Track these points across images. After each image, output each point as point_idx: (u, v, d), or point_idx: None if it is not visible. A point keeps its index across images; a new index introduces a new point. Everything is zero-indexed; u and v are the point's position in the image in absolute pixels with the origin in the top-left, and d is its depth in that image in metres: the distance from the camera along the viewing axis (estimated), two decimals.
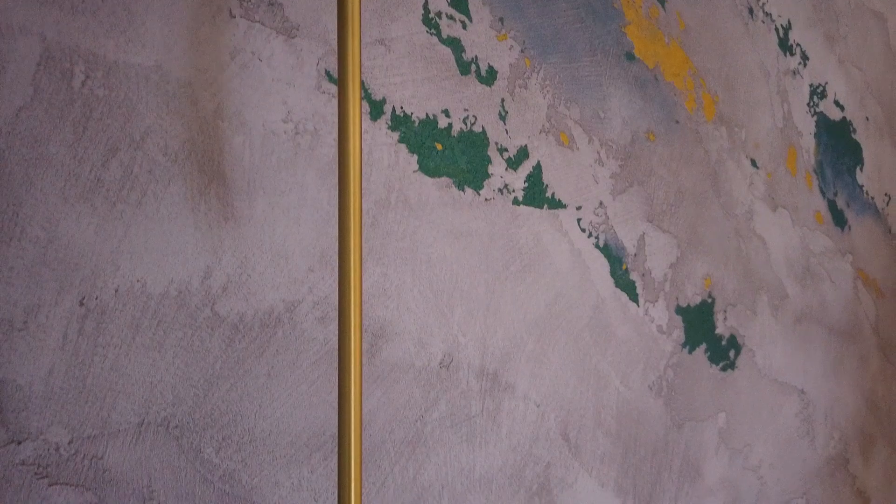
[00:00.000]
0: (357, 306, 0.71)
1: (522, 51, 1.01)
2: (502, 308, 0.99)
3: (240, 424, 0.78)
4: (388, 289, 0.89)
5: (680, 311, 1.22)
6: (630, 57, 1.15)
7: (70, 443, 0.68)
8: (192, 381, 0.75)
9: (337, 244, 0.81)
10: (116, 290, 0.70)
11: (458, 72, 0.95)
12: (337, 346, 0.79)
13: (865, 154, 1.58)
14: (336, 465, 0.84)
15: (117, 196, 0.71)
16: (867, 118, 1.59)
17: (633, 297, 1.15)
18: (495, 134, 0.99)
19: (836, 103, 1.52)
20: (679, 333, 1.21)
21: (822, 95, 1.48)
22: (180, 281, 0.74)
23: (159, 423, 0.73)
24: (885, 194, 1.64)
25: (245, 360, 0.78)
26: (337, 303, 0.79)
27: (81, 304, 0.69)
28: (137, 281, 0.72)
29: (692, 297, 1.24)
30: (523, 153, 1.02)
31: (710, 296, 1.26)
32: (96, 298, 0.69)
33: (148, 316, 0.72)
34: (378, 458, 0.88)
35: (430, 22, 0.93)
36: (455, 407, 0.94)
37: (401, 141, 0.90)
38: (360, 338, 0.73)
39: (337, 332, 0.79)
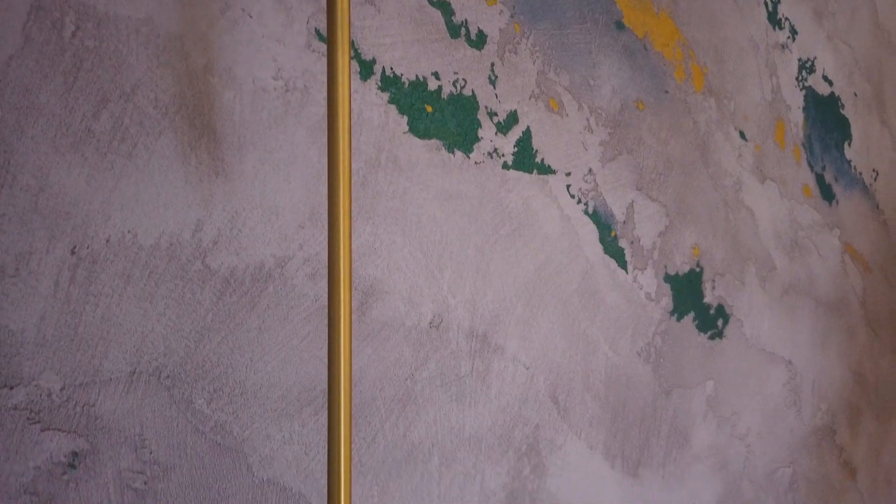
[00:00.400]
0: (347, 264, 0.72)
1: (512, 16, 1.02)
2: (492, 271, 1.00)
3: (231, 377, 0.78)
4: (378, 248, 0.90)
5: (668, 279, 1.23)
6: (619, 26, 1.15)
7: (62, 389, 0.69)
8: (184, 333, 0.75)
9: (326, 202, 0.82)
10: (108, 241, 0.71)
11: (447, 34, 0.96)
12: (327, 303, 0.80)
13: (853, 129, 1.60)
14: (326, 419, 0.85)
15: (108, 147, 0.71)
16: (855, 94, 1.61)
17: (622, 265, 1.16)
18: (485, 98, 1.00)
19: (825, 78, 1.53)
20: (667, 301, 1.23)
21: (811, 70, 1.50)
22: (171, 233, 0.75)
23: (151, 372, 0.73)
24: (873, 170, 1.66)
25: (236, 314, 0.79)
26: (327, 260, 0.79)
27: (73, 252, 0.69)
28: (128, 232, 0.72)
29: (680, 265, 1.25)
30: (513, 118, 1.03)
31: (698, 265, 1.28)
32: (88, 248, 0.70)
33: (139, 267, 0.73)
34: (368, 414, 0.89)
35: None
36: (445, 367, 0.96)
37: (391, 102, 0.91)
38: (350, 295, 0.74)
39: (327, 289, 0.80)
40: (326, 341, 0.85)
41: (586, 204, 1.11)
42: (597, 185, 1.13)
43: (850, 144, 1.59)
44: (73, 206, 0.69)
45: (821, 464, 1.53)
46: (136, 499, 0.72)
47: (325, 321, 0.85)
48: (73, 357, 0.69)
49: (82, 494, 0.70)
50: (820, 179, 1.52)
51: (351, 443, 0.79)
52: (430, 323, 0.94)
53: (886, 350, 1.69)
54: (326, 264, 0.85)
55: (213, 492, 0.77)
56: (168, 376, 0.74)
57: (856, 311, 1.61)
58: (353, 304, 0.88)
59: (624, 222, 1.16)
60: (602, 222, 1.13)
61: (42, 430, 0.68)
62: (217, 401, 0.77)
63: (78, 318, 0.70)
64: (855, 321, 1.61)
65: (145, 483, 0.73)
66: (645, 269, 1.19)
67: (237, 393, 0.79)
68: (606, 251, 1.14)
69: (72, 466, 0.69)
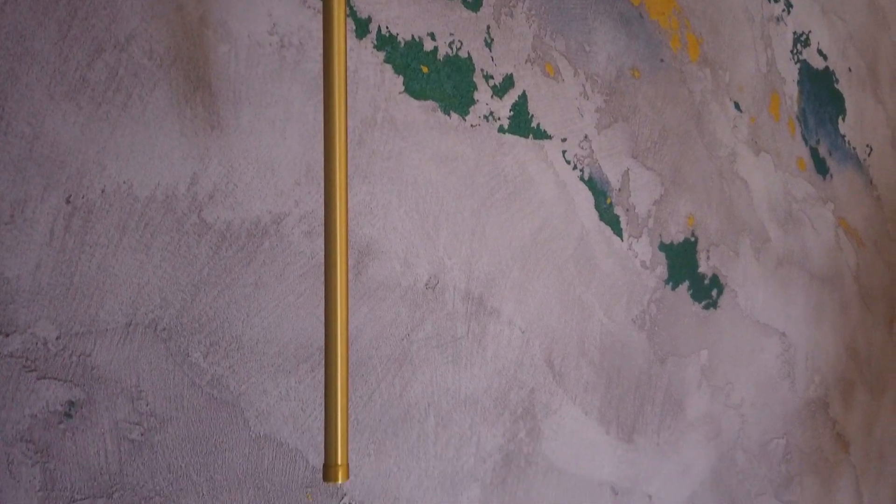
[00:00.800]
0: (343, 223, 0.72)
1: None
2: (488, 234, 1.01)
3: (227, 331, 0.78)
4: (375, 207, 0.90)
5: (663, 247, 1.23)
6: None
7: (58, 338, 0.69)
8: (180, 286, 0.75)
9: (323, 159, 0.81)
10: (103, 191, 0.71)
11: None
12: (323, 261, 0.80)
13: (848, 104, 1.60)
14: (323, 376, 0.85)
15: (102, 97, 0.71)
16: (850, 69, 1.61)
17: (618, 232, 1.16)
18: (481, 61, 1.00)
19: (820, 52, 1.53)
20: (662, 270, 1.23)
21: (806, 44, 1.50)
22: (167, 185, 0.74)
23: (147, 324, 0.73)
24: (867, 145, 1.66)
25: (232, 269, 0.79)
26: (323, 218, 0.79)
27: (68, 201, 0.69)
28: (124, 182, 0.72)
29: (675, 234, 1.25)
30: (509, 81, 1.02)
31: (693, 234, 1.28)
32: (83, 197, 0.70)
33: (135, 218, 0.73)
34: (365, 372, 0.89)
35: None
36: (441, 328, 0.96)
37: (386, 61, 0.90)
38: (347, 254, 0.74)
39: (323, 247, 0.80)
40: (323, 299, 0.85)
41: (582, 170, 1.11)
42: (592, 151, 1.13)
43: (844, 119, 1.59)
44: (68, 154, 0.69)
45: (814, 436, 1.54)
46: (133, 450, 0.73)
47: (322, 279, 0.85)
48: (69, 306, 0.69)
49: (79, 444, 0.70)
50: (814, 153, 1.52)
51: (348, 400, 0.80)
52: (427, 284, 0.94)
53: (879, 325, 1.71)
54: (322, 222, 0.85)
55: (210, 445, 0.77)
56: (164, 329, 0.74)
57: (849, 286, 1.62)
58: (349, 263, 0.88)
59: (619, 190, 1.17)
60: (597, 189, 1.14)
61: (38, 379, 0.68)
62: (213, 355, 0.77)
63: (73, 268, 0.69)
64: (848, 295, 1.62)
65: (142, 434, 0.73)
66: (640, 237, 1.20)
67: (233, 347, 0.79)
68: (602, 218, 1.14)
69: (68, 416, 0.69)
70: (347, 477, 0.71)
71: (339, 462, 0.73)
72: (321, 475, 0.76)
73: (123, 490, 0.72)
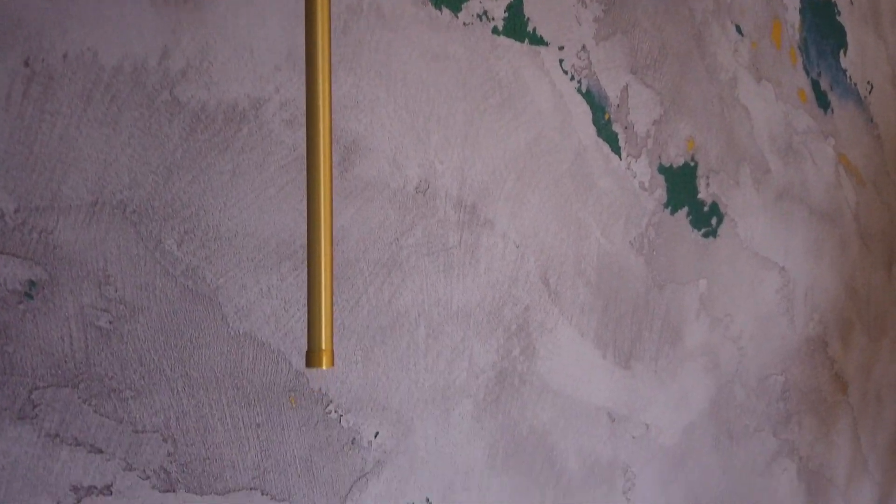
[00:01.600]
0: (327, 112, 0.67)
1: None
2: (481, 140, 0.96)
3: (203, 219, 0.73)
4: (361, 101, 0.85)
5: (663, 170, 1.19)
6: None
7: (16, 211, 0.63)
8: (151, 167, 0.70)
9: (305, 43, 0.76)
10: (65, 56, 0.65)
11: None
12: (305, 153, 0.75)
13: (849, 38, 1.56)
14: (306, 276, 0.80)
15: None
16: (851, 2, 1.56)
17: (616, 150, 1.12)
18: None
19: None
20: (661, 193, 1.19)
21: None
22: (136, 57, 0.69)
23: (115, 205, 0.68)
24: (868, 82, 1.62)
25: (208, 153, 0.74)
26: (305, 106, 0.74)
27: (26, 64, 0.63)
28: (88, 49, 0.66)
29: (675, 157, 1.21)
30: None
31: (693, 159, 1.24)
32: (42, 61, 0.64)
33: (100, 88, 0.67)
34: (352, 276, 0.84)
35: None
36: (432, 235, 0.91)
37: None
38: (331, 146, 0.69)
39: (305, 138, 0.75)
40: (305, 193, 0.80)
41: (579, 82, 1.06)
42: (590, 63, 1.08)
43: (845, 53, 1.55)
44: (26, 11, 0.63)
45: (812, 375, 1.51)
46: (101, 338, 0.68)
47: (304, 172, 0.80)
48: (28, 178, 0.64)
49: (41, 327, 0.65)
50: (815, 85, 1.48)
51: (333, 303, 0.75)
52: (417, 188, 0.90)
53: (879, 266, 1.68)
54: (304, 111, 0.80)
55: (185, 339, 0.72)
56: (134, 211, 0.69)
57: (849, 223, 1.58)
58: (334, 158, 0.83)
59: (618, 106, 1.12)
60: (595, 103, 1.09)
61: None
62: (188, 243, 0.72)
63: (33, 137, 0.64)
64: (848, 233, 1.58)
65: (110, 323, 0.68)
66: (639, 156, 1.15)
67: (210, 237, 0.74)
68: (599, 134, 1.09)
69: (28, 296, 0.64)
70: (332, 363, 0.67)
71: (324, 346, 0.68)
72: (304, 363, 0.71)
73: (90, 380, 0.67)
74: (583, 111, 1.07)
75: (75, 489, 0.66)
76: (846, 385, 1.60)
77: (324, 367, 0.66)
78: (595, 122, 1.09)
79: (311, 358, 0.67)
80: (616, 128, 1.12)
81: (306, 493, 0.80)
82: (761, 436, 1.40)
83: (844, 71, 1.55)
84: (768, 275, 1.40)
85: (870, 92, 1.63)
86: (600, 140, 1.10)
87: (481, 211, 0.96)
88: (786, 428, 1.45)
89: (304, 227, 0.80)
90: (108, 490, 0.68)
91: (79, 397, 0.66)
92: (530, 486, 1.03)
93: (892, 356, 1.73)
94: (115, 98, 0.68)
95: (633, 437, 1.16)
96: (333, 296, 0.80)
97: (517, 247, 1.00)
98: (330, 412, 0.82)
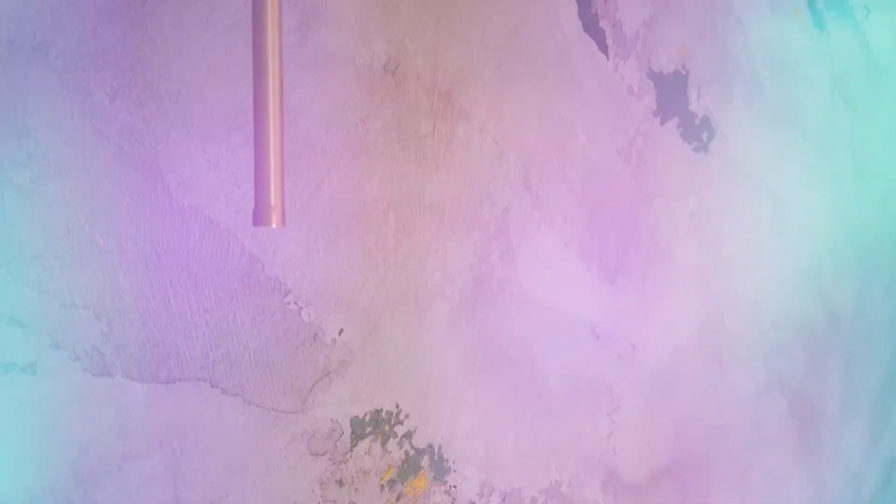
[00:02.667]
0: None
1: None
2: (456, 22, 0.88)
3: (140, 74, 0.65)
4: None
5: (652, 76, 1.12)
6: None
7: None
8: (77, 6, 0.62)
9: None
10: None
11: None
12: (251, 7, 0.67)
13: None
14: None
15: None
16: None
17: (603, 49, 1.04)
18: None
19: None
20: (651, 100, 1.12)
21: None
22: None
23: (35, 47, 0.60)
24: (865, 7, 1.56)
25: (146, 2, 0.65)
26: None
27: None
28: None
29: (665, 63, 1.14)
30: None
31: (684, 67, 1.17)
32: None
33: None
34: (313, 157, 0.76)
35: None
36: (402, 120, 0.83)
37: None
38: (279, 5, 0.61)
39: None
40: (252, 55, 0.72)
41: None
42: None
43: None
44: None
45: (805, 307, 1.46)
46: (20, 196, 0.60)
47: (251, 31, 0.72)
48: None
49: None
50: (811, 4, 1.41)
51: (283, 182, 0.67)
52: (385, 67, 0.82)
53: (873, 201, 1.62)
54: None
55: (121, 208, 0.64)
56: (58, 57, 0.61)
57: (843, 154, 1.52)
58: (291, 22, 0.74)
59: (605, 0, 1.04)
60: None
61: None
62: (122, 99, 0.64)
63: None
64: (843, 165, 1.52)
65: (32, 180, 0.60)
66: (627, 58, 1.08)
67: (148, 96, 0.66)
68: (586, 29, 1.02)
69: None
70: (283, 222, 0.59)
71: (273, 203, 0.61)
72: (253, 219, 0.64)
73: (8, 243, 0.59)
74: (567, 1, 1.00)
75: None
76: (839, 320, 1.55)
77: (273, 226, 0.59)
78: (581, 14, 1.01)
79: (259, 216, 0.59)
80: (603, 24, 1.04)
81: (261, 389, 0.73)
82: (752, 365, 1.34)
83: None
84: (761, 199, 1.34)
85: (867, 17, 1.56)
86: (586, 36, 1.02)
87: (456, 100, 0.88)
88: (777, 358, 1.39)
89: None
90: (30, 369, 0.60)
91: None
92: (509, 400, 0.96)
93: (885, 294, 1.68)
94: None
95: (619, 357, 1.10)
96: (284, 150, 0.72)
97: (496, 143, 0.93)
98: (289, 303, 0.75)
